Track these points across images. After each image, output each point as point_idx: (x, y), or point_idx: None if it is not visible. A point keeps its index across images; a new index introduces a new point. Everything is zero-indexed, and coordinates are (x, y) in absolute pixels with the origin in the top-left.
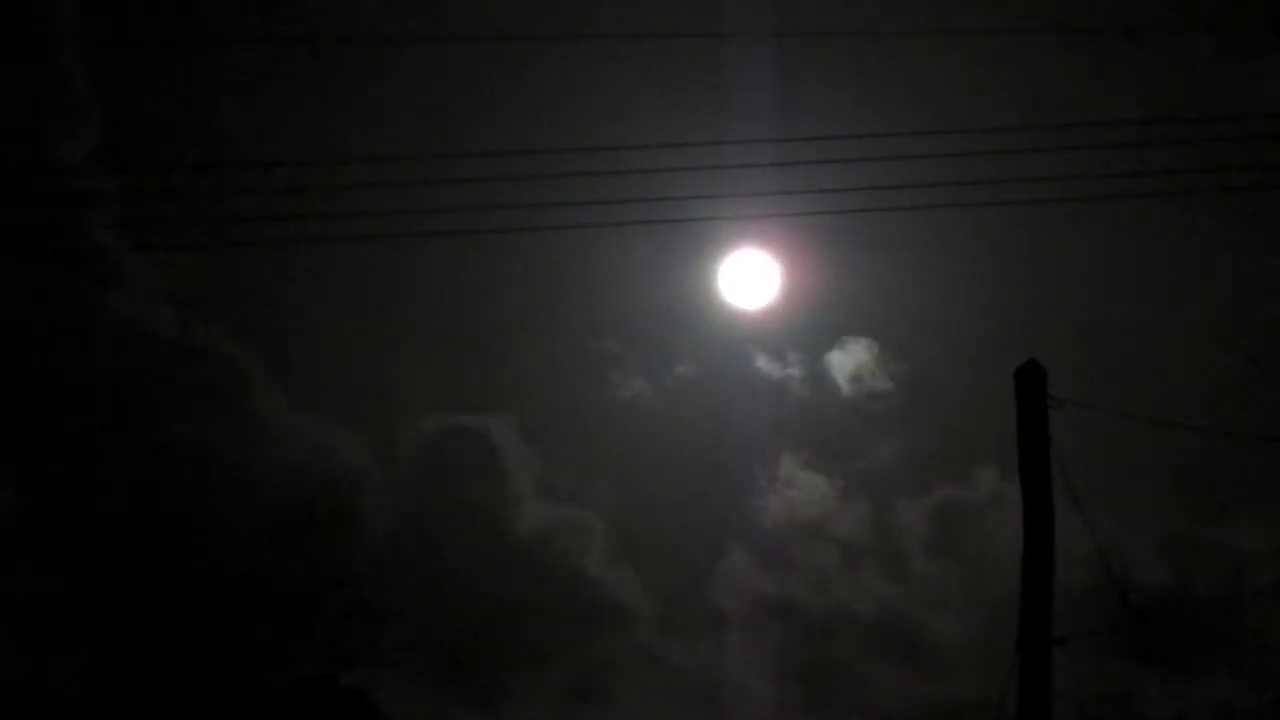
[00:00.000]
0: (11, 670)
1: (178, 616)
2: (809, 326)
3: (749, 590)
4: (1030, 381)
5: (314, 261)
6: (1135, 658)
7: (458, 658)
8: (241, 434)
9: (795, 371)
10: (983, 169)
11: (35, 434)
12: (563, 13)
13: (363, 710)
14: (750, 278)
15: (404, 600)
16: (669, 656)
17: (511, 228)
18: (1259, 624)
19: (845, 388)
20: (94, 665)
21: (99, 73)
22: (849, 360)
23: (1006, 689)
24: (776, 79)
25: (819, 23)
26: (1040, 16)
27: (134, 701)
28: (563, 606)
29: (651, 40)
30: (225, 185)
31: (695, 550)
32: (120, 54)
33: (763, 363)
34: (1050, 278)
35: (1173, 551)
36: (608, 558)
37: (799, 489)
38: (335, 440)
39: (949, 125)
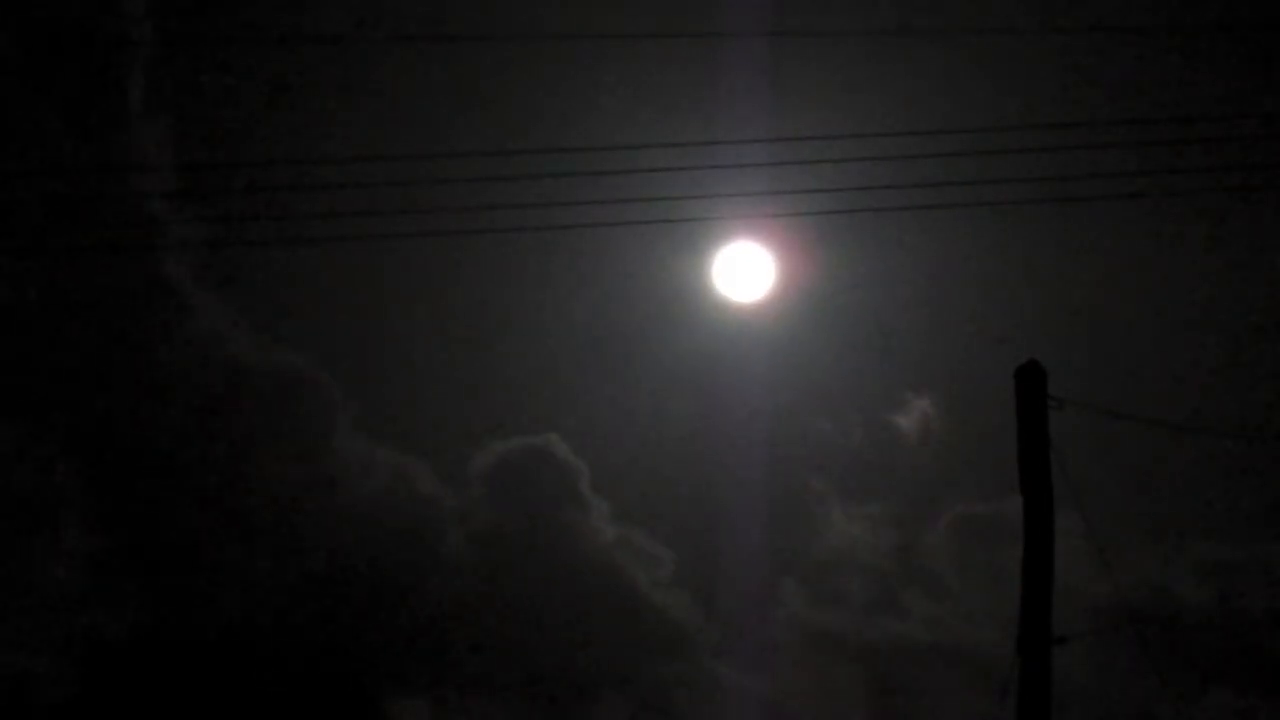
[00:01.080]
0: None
1: (234, 636)
2: (809, 326)
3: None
4: (1030, 381)
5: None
6: (1149, 669)
7: (525, 682)
8: (314, 459)
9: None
10: (981, 169)
11: (112, 465)
12: (560, 13)
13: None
14: (746, 272)
15: (471, 624)
16: (732, 680)
17: (512, 228)
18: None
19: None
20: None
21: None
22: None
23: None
24: (772, 78)
25: (815, 22)
26: (1040, 16)
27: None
28: (627, 630)
29: (648, 40)
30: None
31: (751, 573)
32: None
33: (766, 360)
34: (1050, 277)
35: (1183, 559)
36: (670, 582)
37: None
38: (406, 466)
39: (946, 125)
